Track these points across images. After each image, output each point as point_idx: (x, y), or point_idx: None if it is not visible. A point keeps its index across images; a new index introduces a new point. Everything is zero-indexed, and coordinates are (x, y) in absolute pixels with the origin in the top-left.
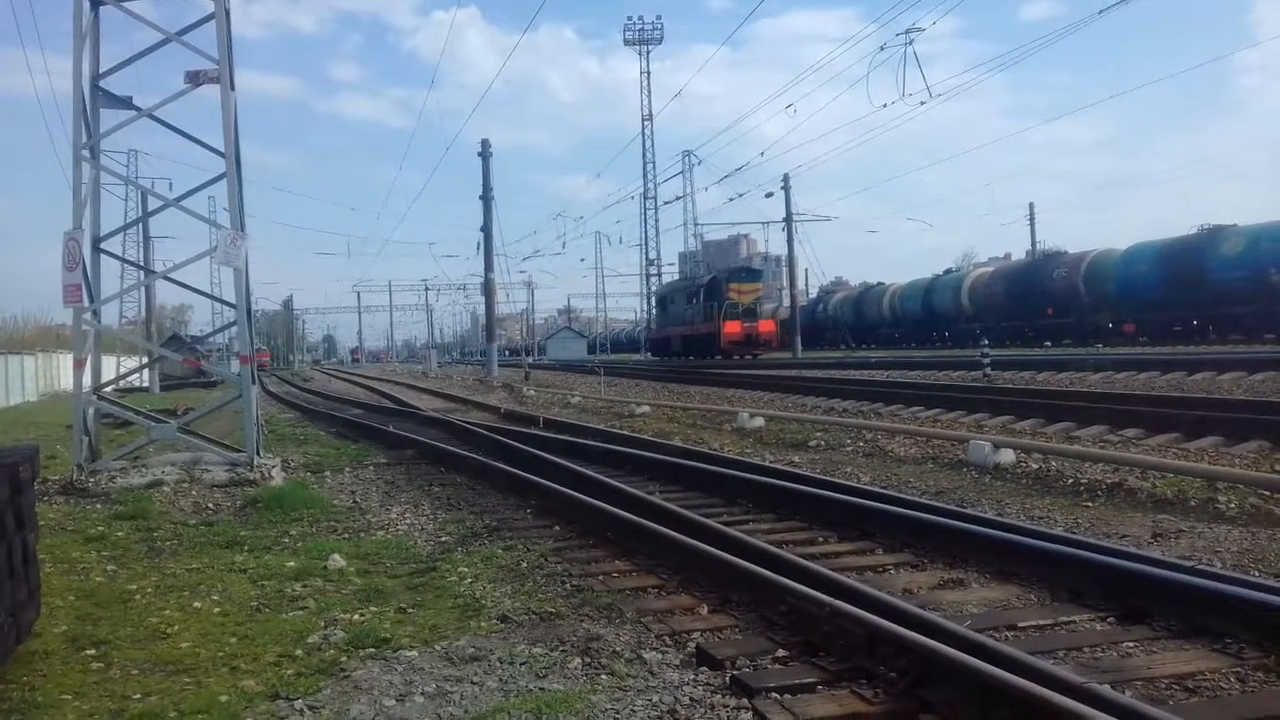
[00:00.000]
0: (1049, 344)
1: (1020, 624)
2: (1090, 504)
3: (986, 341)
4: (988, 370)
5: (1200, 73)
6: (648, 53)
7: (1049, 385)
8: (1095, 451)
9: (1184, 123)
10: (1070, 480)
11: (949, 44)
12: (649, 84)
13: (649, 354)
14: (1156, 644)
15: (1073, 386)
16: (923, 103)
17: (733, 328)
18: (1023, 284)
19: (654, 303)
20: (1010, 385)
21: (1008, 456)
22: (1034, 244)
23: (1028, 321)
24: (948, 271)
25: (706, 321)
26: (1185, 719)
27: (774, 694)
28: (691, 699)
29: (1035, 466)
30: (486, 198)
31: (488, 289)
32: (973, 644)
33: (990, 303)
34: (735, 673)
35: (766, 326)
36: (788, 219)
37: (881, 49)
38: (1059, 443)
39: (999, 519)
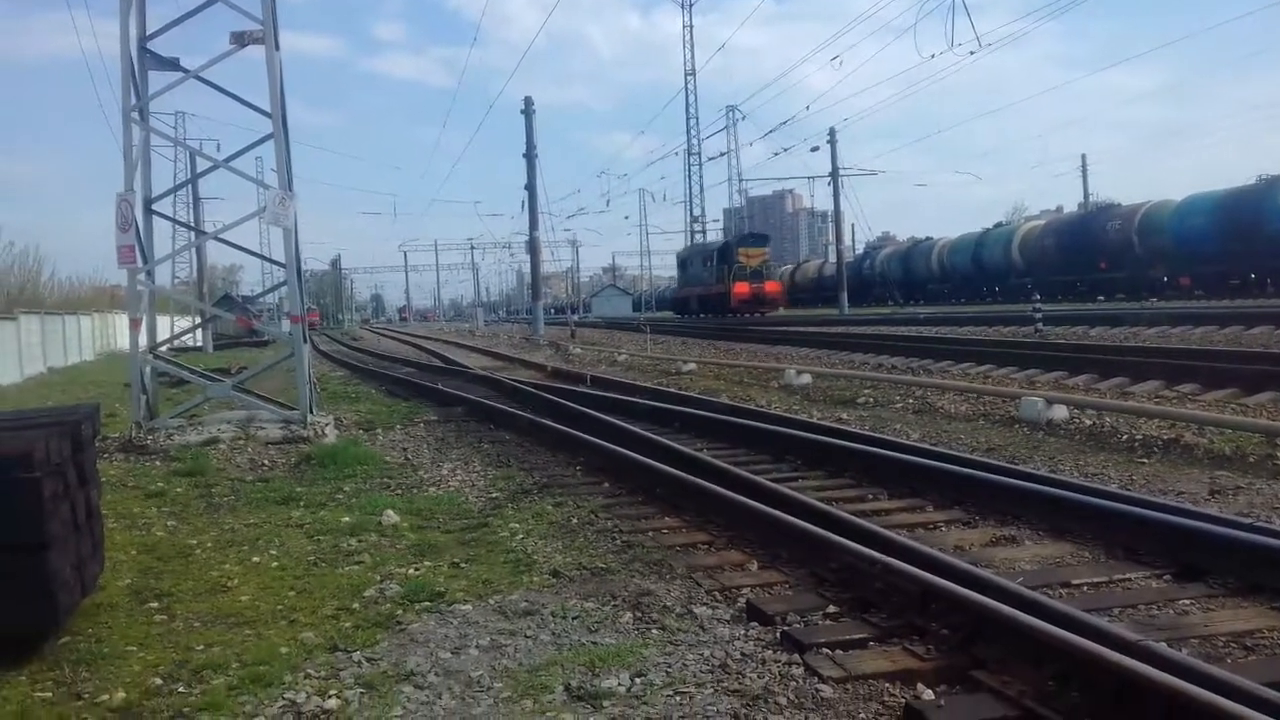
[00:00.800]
0: (1102, 298)
1: (1074, 581)
2: (1145, 460)
3: (1038, 296)
4: (1039, 325)
5: (1260, 16)
6: (690, 5)
7: (1102, 340)
8: (1150, 407)
9: (1242, 69)
10: (1125, 437)
11: None
12: (691, 38)
13: (673, 312)
14: (1214, 601)
15: (1126, 342)
16: (972, 53)
17: (741, 288)
18: (1075, 237)
19: (676, 265)
20: (1062, 341)
21: (1060, 413)
22: (1086, 196)
23: (1080, 276)
24: (998, 225)
25: (719, 283)
26: (1243, 676)
27: (825, 649)
28: (743, 654)
29: (1089, 423)
30: (530, 156)
31: (533, 247)
32: (1026, 601)
33: (1041, 257)
34: (786, 628)
35: (773, 287)
36: (833, 173)
37: None
38: (1113, 398)
39: (1052, 475)
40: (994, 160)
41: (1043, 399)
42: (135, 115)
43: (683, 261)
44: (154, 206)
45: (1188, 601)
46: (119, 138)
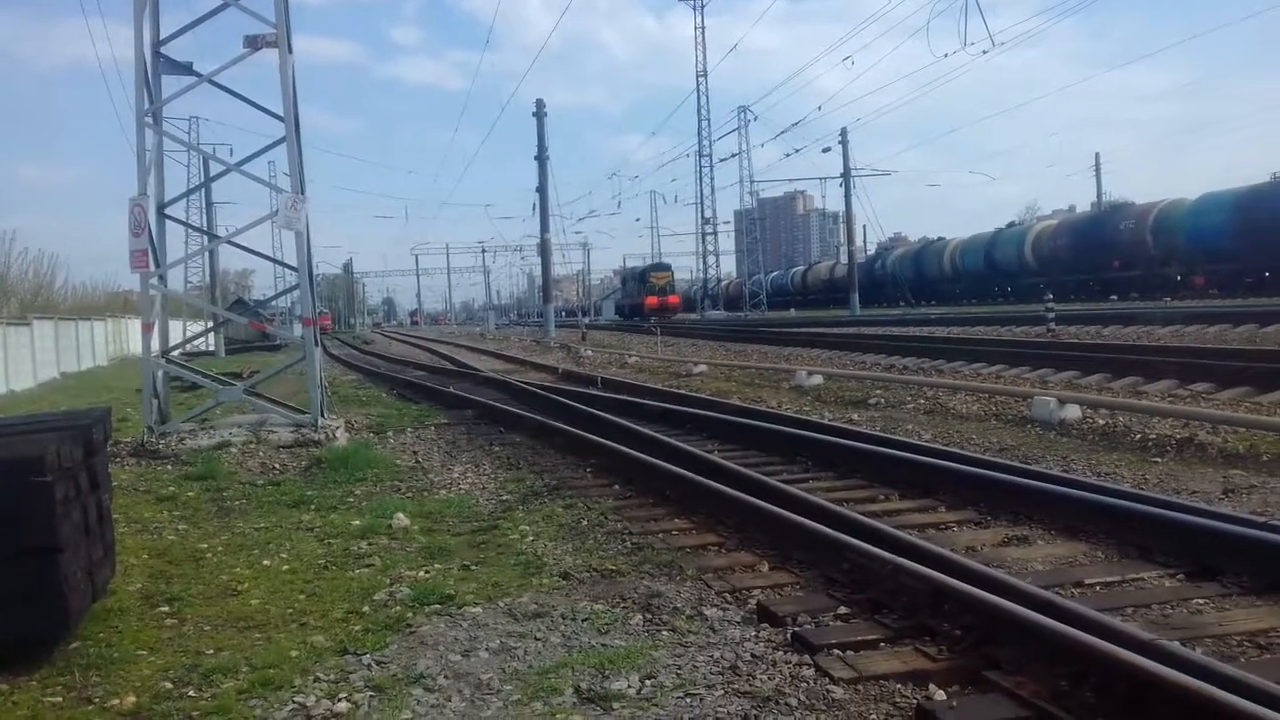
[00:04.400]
0: (1115, 298)
1: (1087, 581)
2: (1159, 460)
3: (1051, 296)
4: (1052, 325)
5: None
6: (702, 7)
7: (1115, 340)
8: (1164, 406)
9: (1261, 66)
10: (1138, 436)
11: None
12: (703, 39)
13: (616, 316)
14: (1228, 601)
15: (1140, 341)
16: (985, 51)
17: (651, 300)
18: (1088, 237)
19: (621, 282)
20: (1075, 340)
21: (1073, 412)
22: (1100, 195)
23: (1093, 275)
24: (1010, 225)
25: (640, 296)
26: (1259, 675)
27: (836, 650)
28: (753, 655)
29: (1102, 422)
30: (541, 158)
31: (544, 250)
32: (1039, 600)
33: (1055, 256)
34: (797, 629)
35: (673, 299)
36: (845, 174)
37: None
38: (1126, 398)
39: (1064, 475)
40: (1007, 160)
41: (1055, 399)
42: (149, 119)
43: (623, 280)
44: (167, 211)
45: (1202, 601)
46: (133, 142)
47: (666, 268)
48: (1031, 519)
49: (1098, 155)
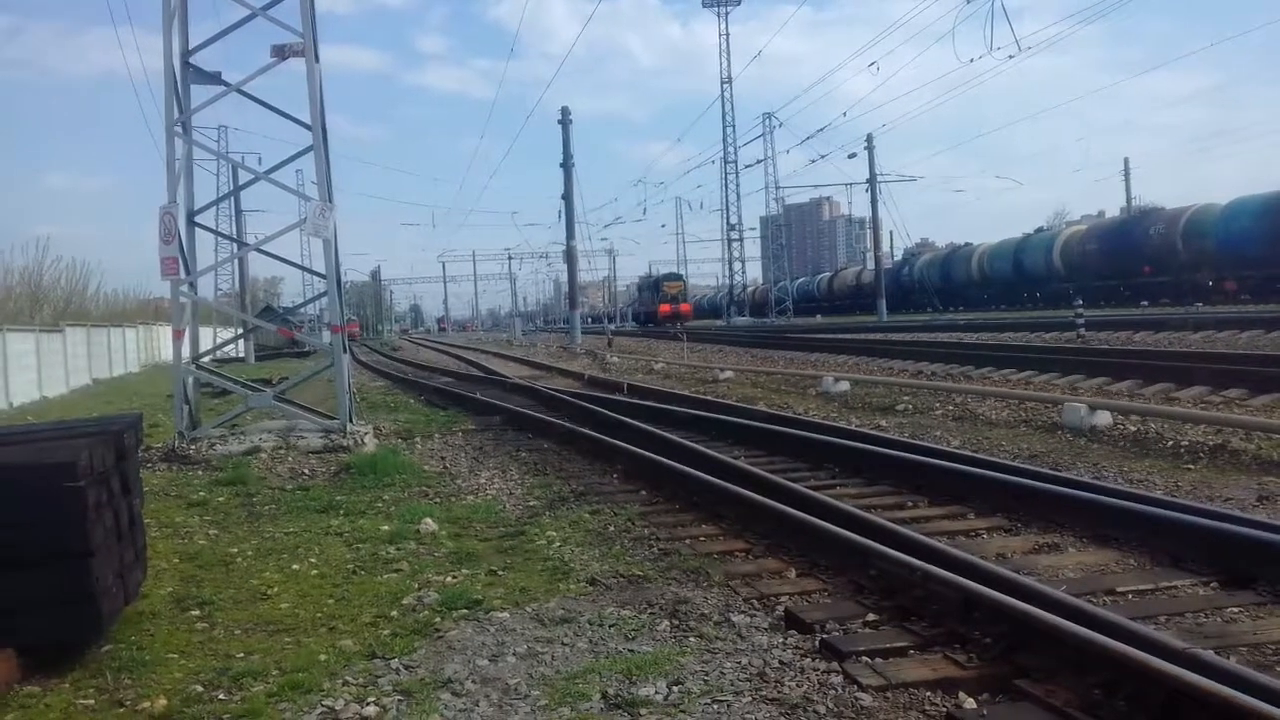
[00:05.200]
0: (1145, 303)
1: (1119, 589)
2: (1191, 466)
3: (1080, 301)
4: (1082, 331)
5: None
6: (726, 14)
7: (1146, 345)
8: (1196, 412)
9: None
10: (1170, 442)
11: None
12: (728, 46)
13: (633, 323)
14: (1263, 609)
15: (1171, 346)
16: (1011, 56)
17: (665, 307)
18: (1118, 242)
19: (637, 290)
20: (1105, 346)
21: (1104, 419)
22: (1129, 200)
23: (1123, 280)
24: (1039, 230)
25: (654, 303)
26: None
27: (865, 658)
28: (781, 662)
29: (1133, 429)
30: (567, 165)
31: (570, 256)
32: (1070, 608)
33: (1084, 262)
34: (825, 636)
35: (685, 307)
36: (871, 180)
37: (968, 1)
38: (1158, 404)
39: (1096, 482)
40: (1035, 165)
41: (1085, 405)
42: (178, 129)
43: (639, 289)
44: (197, 219)
45: (1236, 609)
46: (163, 151)
47: (678, 277)
48: (1063, 526)
49: (1126, 160)
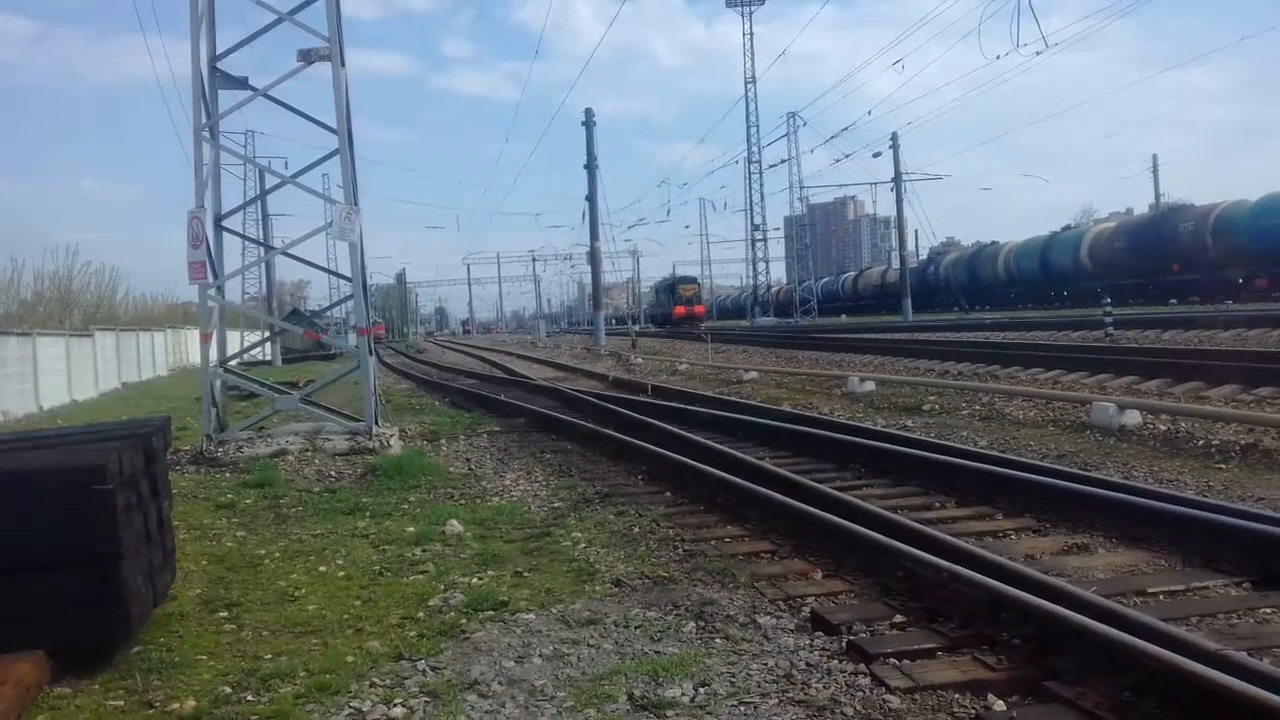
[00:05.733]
0: (1174, 301)
1: (1150, 590)
2: (1223, 466)
3: (1109, 300)
4: (1110, 329)
5: None
6: (750, 14)
7: (1176, 344)
8: (1228, 411)
9: None
10: (1201, 442)
11: None
12: (752, 45)
13: (650, 324)
14: None
15: (1201, 345)
16: (1038, 53)
17: (680, 309)
18: (1146, 239)
19: (654, 293)
20: (1134, 344)
21: (1133, 418)
22: (1158, 197)
23: (1151, 279)
24: (1066, 228)
25: (670, 305)
26: None
27: (892, 659)
28: (808, 664)
29: (1163, 428)
30: (591, 167)
31: (594, 258)
32: (1100, 610)
33: (1112, 260)
34: (852, 638)
35: (699, 309)
36: (896, 179)
37: None
38: (1188, 403)
39: (1125, 482)
40: (1061, 163)
41: (1115, 404)
42: (206, 133)
43: (655, 291)
44: (224, 223)
45: (1269, 610)
46: (191, 156)
47: (693, 280)
48: (1092, 527)
49: (1155, 157)
